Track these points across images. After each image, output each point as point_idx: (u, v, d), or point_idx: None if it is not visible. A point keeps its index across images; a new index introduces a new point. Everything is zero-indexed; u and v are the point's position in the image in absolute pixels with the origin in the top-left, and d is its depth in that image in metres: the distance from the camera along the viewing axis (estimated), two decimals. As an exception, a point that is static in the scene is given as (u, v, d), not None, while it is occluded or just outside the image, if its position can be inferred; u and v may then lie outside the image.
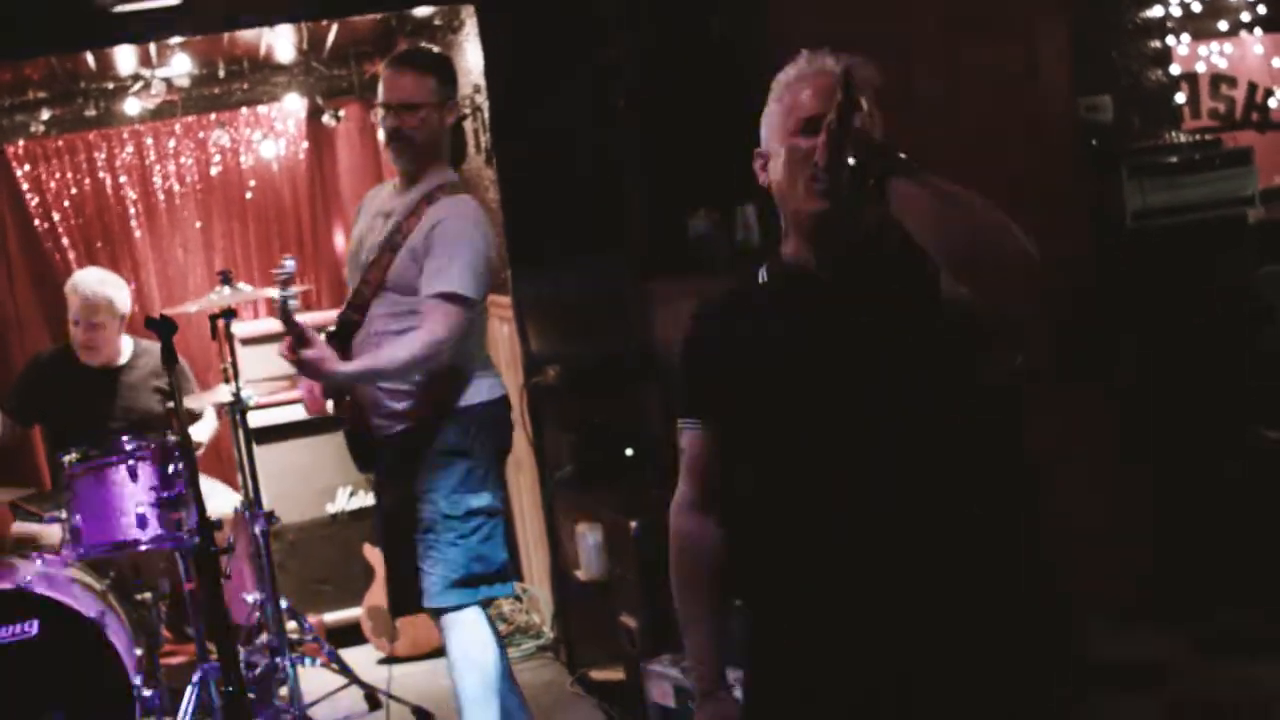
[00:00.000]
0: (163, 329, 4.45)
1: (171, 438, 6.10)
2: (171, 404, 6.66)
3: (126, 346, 7.04)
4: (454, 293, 4.92)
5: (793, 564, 2.99)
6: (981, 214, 2.65)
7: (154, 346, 6.93)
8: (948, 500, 2.87)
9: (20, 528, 6.98)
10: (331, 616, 7.71)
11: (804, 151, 2.88)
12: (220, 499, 7.03)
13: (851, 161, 2.71)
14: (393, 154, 5.18)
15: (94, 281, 6.92)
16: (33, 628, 5.57)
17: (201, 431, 7.04)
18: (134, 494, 5.95)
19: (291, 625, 6.80)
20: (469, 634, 5.14)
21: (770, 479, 3.02)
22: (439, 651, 6.36)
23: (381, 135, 5.31)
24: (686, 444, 3.18)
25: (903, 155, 2.72)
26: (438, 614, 5.13)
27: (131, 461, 5.94)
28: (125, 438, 6.06)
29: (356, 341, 5.07)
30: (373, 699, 6.71)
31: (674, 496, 3.23)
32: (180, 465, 5.97)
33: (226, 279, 6.62)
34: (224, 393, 6.52)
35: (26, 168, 8.66)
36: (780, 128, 3.00)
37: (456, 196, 5.16)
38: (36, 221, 8.65)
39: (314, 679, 6.80)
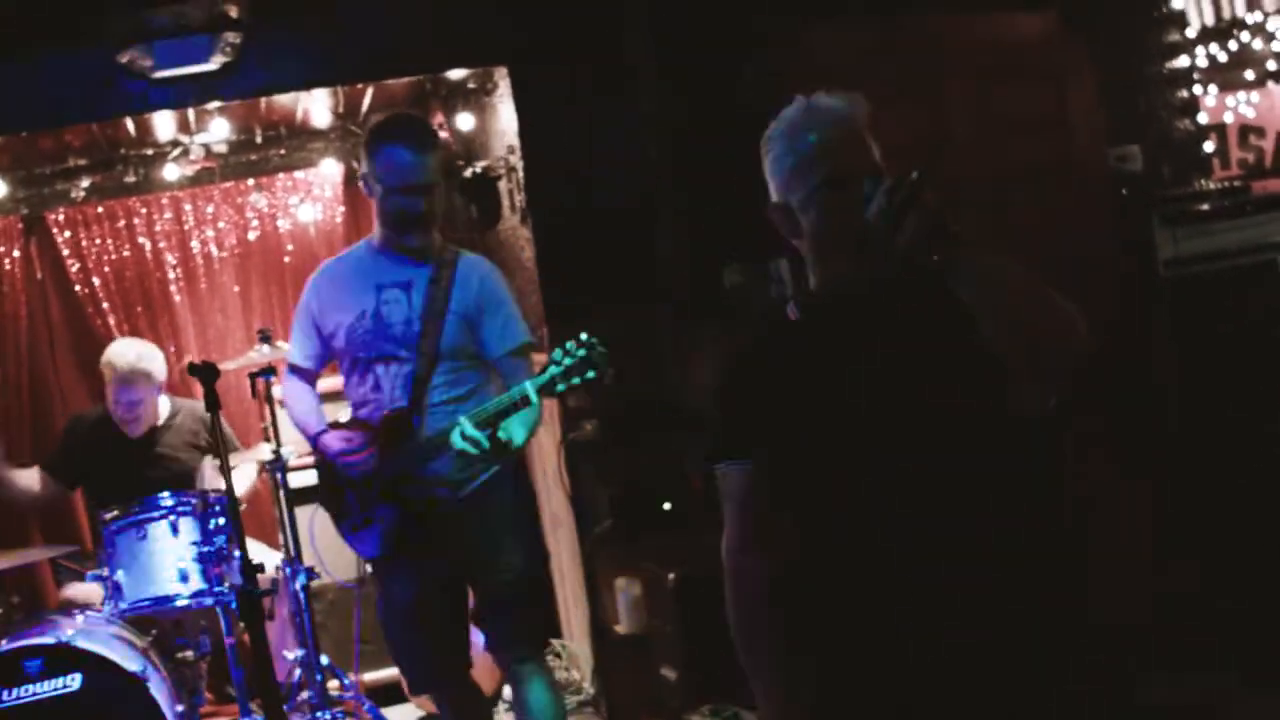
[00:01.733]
0: (205, 375, 4.47)
1: (212, 494, 6.15)
2: (208, 461, 6.74)
3: (164, 406, 7.08)
4: (529, 343, 5.20)
5: (849, 597, 2.99)
6: (1043, 304, 2.71)
7: (192, 404, 7.01)
8: (989, 532, 2.86)
9: (69, 591, 7.02)
10: (371, 675, 7.71)
11: (840, 203, 2.90)
12: (261, 557, 7.04)
13: (912, 233, 2.72)
14: (410, 235, 5.10)
15: (131, 357, 6.95)
16: (75, 682, 5.57)
17: (240, 484, 6.97)
18: (174, 549, 6.00)
19: (332, 684, 6.81)
20: (546, 681, 5.27)
21: (821, 511, 3.01)
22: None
23: (383, 213, 5.13)
24: (731, 486, 3.15)
25: (955, 229, 2.72)
26: (524, 663, 5.19)
27: (172, 517, 5.99)
28: (165, 493, 6.11)
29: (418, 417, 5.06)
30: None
31: (724, 542, 3.18)
32: (221, 520, 6.02)
33: (265, 337, 6.67)
34: (264, 451, 6.55)
35: (67, 234, 8.73)
36: (801, 178, 3.00)
37: (468, 254, 5.27)
38: (77, 287, 8.71)
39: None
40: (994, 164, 6.53)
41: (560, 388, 4.77)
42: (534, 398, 4.80)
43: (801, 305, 3.12)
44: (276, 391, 6.67)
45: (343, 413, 5.37)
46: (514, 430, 4.95)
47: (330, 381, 5.91)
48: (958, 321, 2.83)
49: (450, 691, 5.42)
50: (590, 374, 4.77)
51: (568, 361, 4.76)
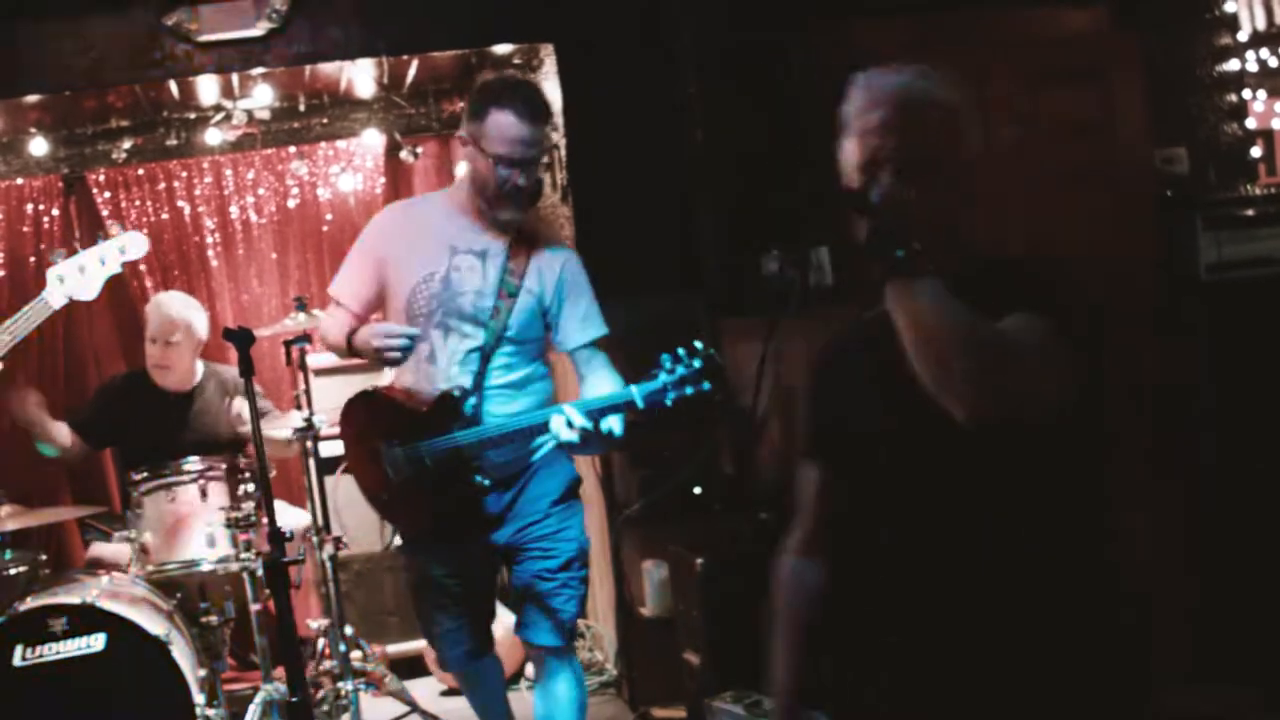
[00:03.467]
0: (240, 339, 4.42)
1: (242, 460, 6.15)
2: (241, 428, 6.75)
3: (198, 370, 7.09)
4: (605, 334, 4.99)
5: (885, 608, 2.96)
6: (976, 365, 2.53)
7: (225, 370, 7.00)
8: (1008, 541, 2.80)
9: (95, 551, 7.04)
10: (395, 648, 7.71)
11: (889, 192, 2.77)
12: (290, 517, 7.06)
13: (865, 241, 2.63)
14: (508, 208, 4.83)
15: (178, 303, 6.99)
16: (99, 642, 5.58)
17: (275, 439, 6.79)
18: (203, 513, 6.02)
19: (355, 654, 6.81)
20: (578, 673, 5.16)
21: (863, 527, 2.98)
22: (512, 679, 6.42)
23: (480, 179, 4.81)
24: (804, 485, 3.13)
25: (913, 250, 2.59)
26: (556, 653, 5.07)
27: (201, 481, 5.99)
28: (195, 458, 6.11)
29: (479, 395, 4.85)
30: (435, 729, 6.73)
31: (786, 538, 3.19)
32: (250, 487, 6.02)
33: (301, 304, 6.67)
34: (296, 419, 6.54)
35: (107, 195, 8.74)
36: (851, 165, 2.88)
37: (549, 237, 5.09)
38: (115, 248, 8.72)
39: (376, 708, 6.81)
40: (1037, 162, 6.49)
41: (671, 397, 4.44)
42: (640, 404, 4.47)
43: (871, 309, 2.94)
44: (311, 360, 6.67)
45: (383, 379, 5.28)
46: (614, 423, 4.61)
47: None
48: None
49: (475, 669, 5.37)
50: (706, 386, 4.42)
51: (680, 370, 4.43)
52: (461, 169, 4.89)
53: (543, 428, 4.59)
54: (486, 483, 4.81)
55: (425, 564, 5.17)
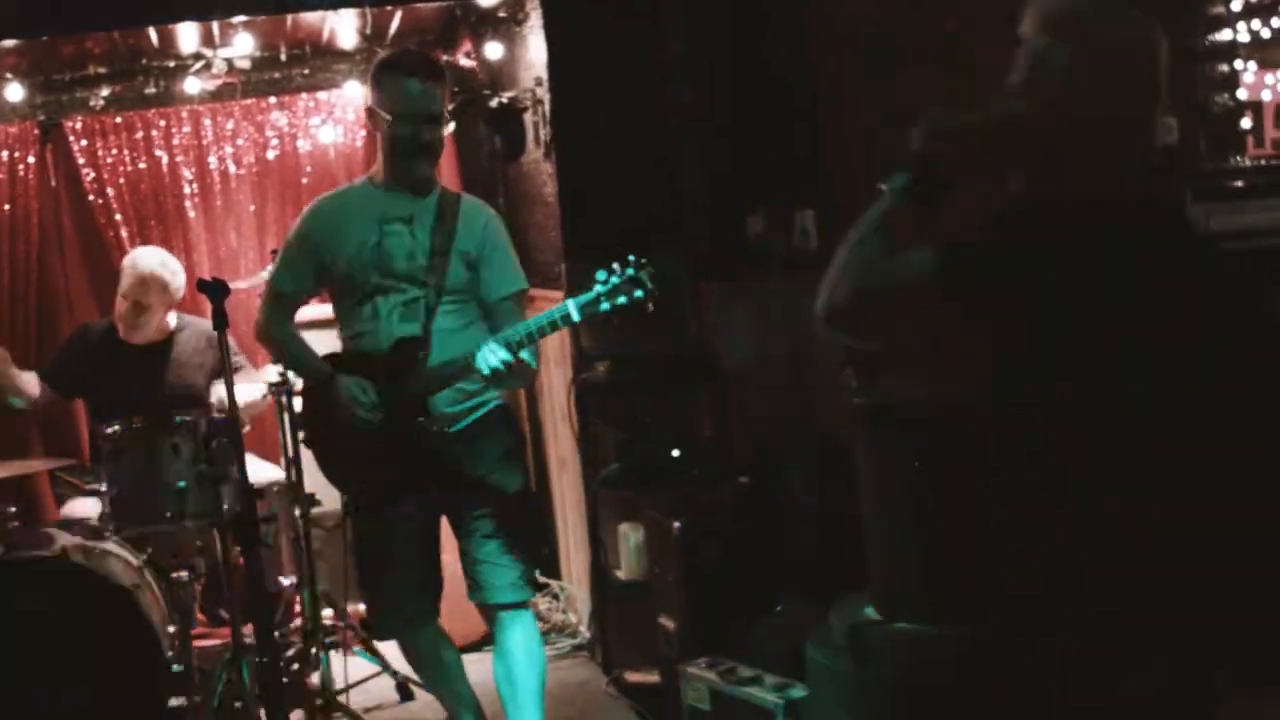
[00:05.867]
0: (214, 291, 4.40)
1: (216, 414, 6.08)
2: (215, 380, 6.67)
3: (171, 320, 7.01)
4: (525, 289, 5.29)
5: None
6: None
7: (198, 321, 6.94)
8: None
9: (68, 508, 6.97)
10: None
11: None
12: (262, 472, 7.00)
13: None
14: (415, 165, 5.14)
15: (155, 262, 6.91)
16: (67, 595, 5.54)
17: (248, 397, 6.77)
18: (174, 468, 5.93)
19: (326, 612, 6.75)
20: (533, 628, 5.31)
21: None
22: (474, 646, 6.37)
23: (390, 143, 5.15)
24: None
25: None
26: (507, 609, 5.21)
27: (174, 436, 5.91)
28: (168, 411, 6.04)
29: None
30: (404, 689, 6.66)
31: None
32: (222, 441, 5.94)
33: (279, 256, 6.59)
34: (271, 373, 6.47)
35: (84, 143, 8.61)
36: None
37: (469, 197, 5.35)
38: (91, 197, 8.58)
39: (345, 667, 6.76)
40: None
41: (604, 306, 4.79)
42: (576, 315, 4.81)
43: None
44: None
45: (329, 342, 5.35)
46: (529, 355, 5.01)
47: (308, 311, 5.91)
48: None
49: (414, 637, 5.43)
50: (639, 294, 4.80)
51: (614, 280, 4.78)
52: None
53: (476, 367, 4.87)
54: (434, 428, 5.05)
55: (367, 524, 5.33)
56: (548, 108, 7.11)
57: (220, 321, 4.46)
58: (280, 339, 5.39)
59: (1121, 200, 2.88)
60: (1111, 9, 2.92)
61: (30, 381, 6.81)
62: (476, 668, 5.74)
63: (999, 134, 2.93)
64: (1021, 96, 2.91)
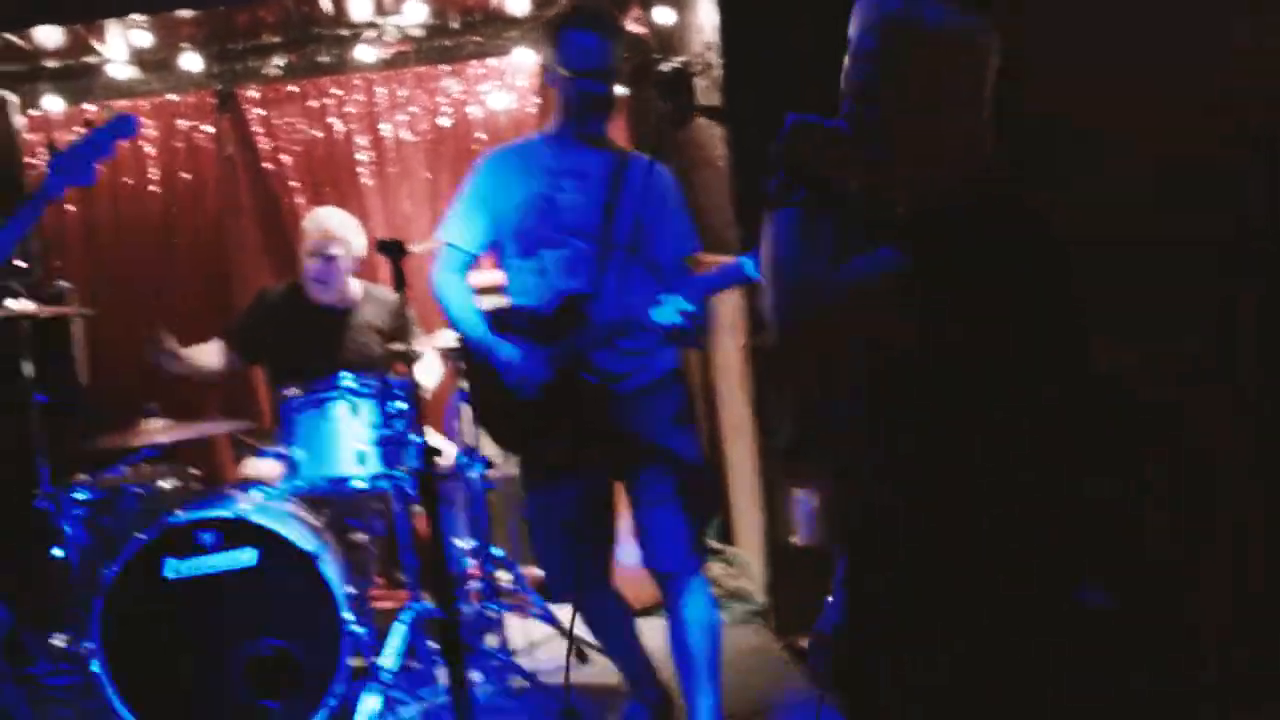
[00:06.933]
0: (393, 252, 4.43)
1: (394, 378, 6.10)
2: (394, 346, 6.71)
3: (355, 289, 7.07)
4: (698, 249, 5.24)
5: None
6: None
7: (381, 291, 6.98)
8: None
9: (247, 467, 7.04)
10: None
11: None
12: (438, 443, 7.02)
13: None
14: (589, 120, 5.16)
15: (336, 218, 7.00)
16: (250, 557, 5.62)
17: (427, 376, 6.93)
18: (354, 430, 5.96)
19: (503, 575, 6.78)
20: (706, 595, 5.25)
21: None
22: (648, 610, 6.34)
23: (565, 99, 5.18)
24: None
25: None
26: (679, 575, 5.16)
27: (353, 397, 5.95)
28: (347, 374, 6.07)
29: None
30: (581, 653, 6.66)
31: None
32: (401, 404, 5.96)
33: (454, 223, 6.60)
34: (447, 337, 6.49)
35: (259, 111, 8.72)
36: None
37: (644, 155, 5.25)
38: (266, 164, 8.70)
39: (521, 630, 6.78)
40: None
41: None
42: (753, 273, 4.68)
43: None
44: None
45: (495, 302, 5.34)
46: (703, 313, 4.95)
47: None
48: None
49: (589, 600, 5.41)
50: None
51: None
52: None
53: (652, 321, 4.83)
54: (596, 381, 5.03)
55: (539, 489, 5.35)
56: (719, 73, 7.05)
57: (399, 280, 4.49)
58: (446, 295, 5.35)
59: (972, 205, 2.85)
60: (934, 11, 2.89)
61: (211, 352, 6.89)
62: (655, 633, 5.71)
63: (837, 138, 2.96)
64: (854, 98, 2.97)
